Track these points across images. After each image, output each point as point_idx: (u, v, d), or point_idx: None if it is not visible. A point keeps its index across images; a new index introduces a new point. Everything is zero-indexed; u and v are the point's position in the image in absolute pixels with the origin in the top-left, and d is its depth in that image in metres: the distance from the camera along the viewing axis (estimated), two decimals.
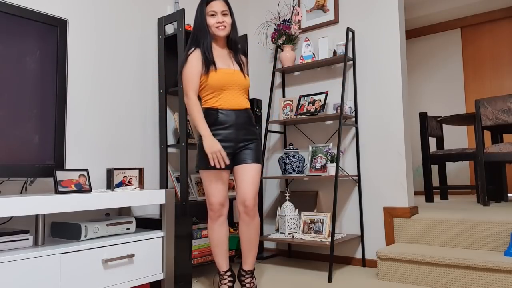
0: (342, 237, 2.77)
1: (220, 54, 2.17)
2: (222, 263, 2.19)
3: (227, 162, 2.03)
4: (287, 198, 2.93)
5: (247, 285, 2.17)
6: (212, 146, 2.00)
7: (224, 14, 2.12)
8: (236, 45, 2.22)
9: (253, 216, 2.13)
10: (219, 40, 2.18)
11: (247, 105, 2.18)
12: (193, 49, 2.12)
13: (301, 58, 3.09)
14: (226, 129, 2.10)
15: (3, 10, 1.86)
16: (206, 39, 2.12)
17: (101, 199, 1.91)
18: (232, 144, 2.11)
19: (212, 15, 2.11)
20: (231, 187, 3.01)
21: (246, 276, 2.19)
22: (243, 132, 2.14)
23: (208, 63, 2.09)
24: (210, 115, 2.11)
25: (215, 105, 2.10)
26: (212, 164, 2.02)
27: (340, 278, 2.55)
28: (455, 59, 5.39)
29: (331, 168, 2.77)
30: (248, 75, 2.28)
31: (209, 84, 2.09)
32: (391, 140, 2.79)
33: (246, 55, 2.29)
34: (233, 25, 2.19)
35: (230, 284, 2.18)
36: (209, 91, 2.12)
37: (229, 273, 2.20)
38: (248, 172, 2.12)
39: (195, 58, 2.10)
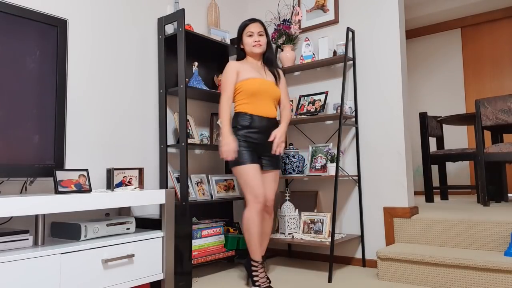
0: (342, 237, 2.77)
1: (255, 67, 2.46)
2: (259, 253, 2.33)
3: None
4: (287, 198, 2.93)
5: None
6: (229, 143, 2.28)
7: (260, 35, 2.45)
8: (270, 61, 2.53)
9: (271, 213, 2.47)
10: (254, 56, 2.49)
11: (275, 114, 2.47)
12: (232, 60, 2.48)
13: (301, 58, 3.09)
14: (257, 133, 2.36)
15: (3, 10, 1.86)
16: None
17: (101, 199, 1.91)
18: (261, 147, 2.39)
19: (250, 35, 2.44)
20: (231, 187, 3.01)
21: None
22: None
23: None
24: (244, 119, 2.36)
25: (248, 111, 2.36)
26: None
27: (340, 278, 2.55)
28: (455, 59, 5.39)
29: (331, 168, 2.77)
30: (283, 88, 2.54)
31: (243, 90, 2.36)
32: (391, 140, 2.79)
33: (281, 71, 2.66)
34: (269, 44, 2.52)
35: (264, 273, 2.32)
36: (243, 96, 2.38)
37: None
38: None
39: (231, 67, 2.40)
